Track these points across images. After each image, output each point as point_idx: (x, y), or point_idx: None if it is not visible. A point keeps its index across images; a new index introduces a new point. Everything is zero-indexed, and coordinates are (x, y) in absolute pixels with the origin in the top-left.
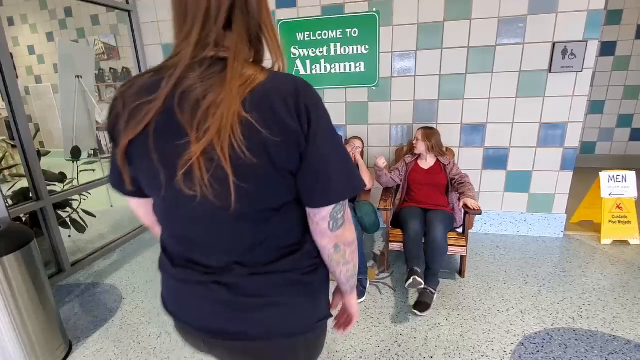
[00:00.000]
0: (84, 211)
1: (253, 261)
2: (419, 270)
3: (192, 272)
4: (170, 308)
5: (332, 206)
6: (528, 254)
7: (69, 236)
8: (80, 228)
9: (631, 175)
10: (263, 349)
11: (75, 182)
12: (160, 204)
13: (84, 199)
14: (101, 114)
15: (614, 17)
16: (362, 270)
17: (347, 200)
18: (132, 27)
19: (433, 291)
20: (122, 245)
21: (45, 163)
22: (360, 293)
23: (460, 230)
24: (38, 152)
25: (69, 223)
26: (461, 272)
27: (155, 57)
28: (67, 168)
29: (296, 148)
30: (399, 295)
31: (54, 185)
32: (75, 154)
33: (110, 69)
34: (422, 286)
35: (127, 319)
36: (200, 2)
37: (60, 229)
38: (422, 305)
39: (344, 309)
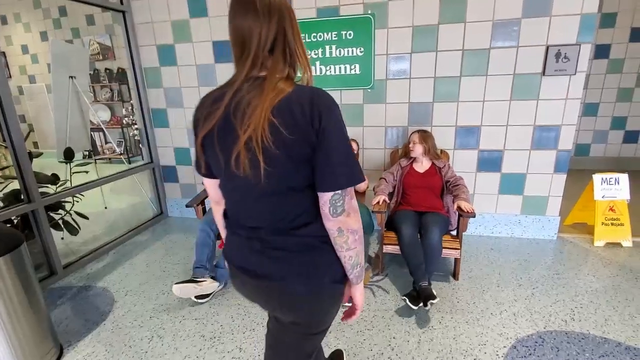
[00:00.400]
0: (77, 213)
1: (278, 227)
2: (427, 285)
3: (240, 230)
4: (227, 255)
5: (331, 193)
6: (522, 256)
7: (62, 238)
8: (73, 230)
9: (624, 177)
10: (280, 291)
11: (68, 184)
12: (223, 182)
13: (77, 201)
14: (96, 115)
15: (608, 20)
16: None
17: (349, 191)
18: (126, 27)
19: (429, 286)
20: (115, 248)
21: (39, 164)
22: None
23: (454, 232)
24: (29, 153)
25: (62, 225)
26: (455, 275)
27: (150, 58)
28: (61, 169)
29: (308, 143)
30: (392, 298)
31: (47, 187)
32: (68, 155)
33: (106, 69)
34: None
35: (119, 322)
36: (253, 36)
37: (53, 231)
38: (430, 297)
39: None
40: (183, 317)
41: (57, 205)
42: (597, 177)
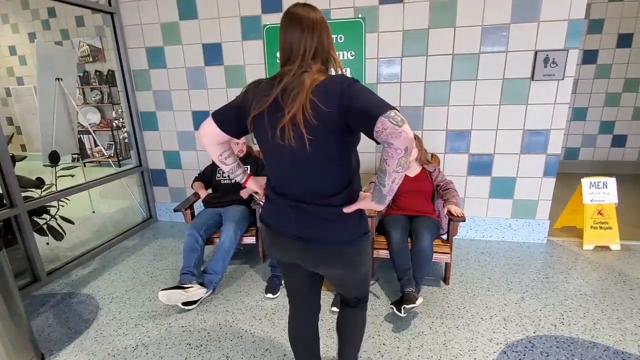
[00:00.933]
0: (62, 218)
1: (318, 192)
2: (412, 291)
3: (284, 199)
4: (267, 221)
5: (386, 113)
6: (512, 260)
7: (47, 244)
8: (58, 235)
9: (612, 181)
10: (322, 251)
11: (53, 188)
12: (268, 153)
13: (62, 206)
14: (85, 118)
15: (595, 26)
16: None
17: (397, 112)
18: (114, 29)
19: (417, 295)
20: (102, 253)
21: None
22: (275, 287)
23: (445, 237)
24: (12, 156)
25: (46, 230)
26: (446, 279)
27: (139, 61)
28: (48, 173)
29: (340, 113)
30: (383, 303)
31: (31, 191)
32: (54, 158)
33: (96, 71)
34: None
35: (102, 330)
36: (300, 47)
37: (38, 236)
38: (406, 301)
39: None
40: (169, 324)
41: (41, 210)
42: (585, 181)
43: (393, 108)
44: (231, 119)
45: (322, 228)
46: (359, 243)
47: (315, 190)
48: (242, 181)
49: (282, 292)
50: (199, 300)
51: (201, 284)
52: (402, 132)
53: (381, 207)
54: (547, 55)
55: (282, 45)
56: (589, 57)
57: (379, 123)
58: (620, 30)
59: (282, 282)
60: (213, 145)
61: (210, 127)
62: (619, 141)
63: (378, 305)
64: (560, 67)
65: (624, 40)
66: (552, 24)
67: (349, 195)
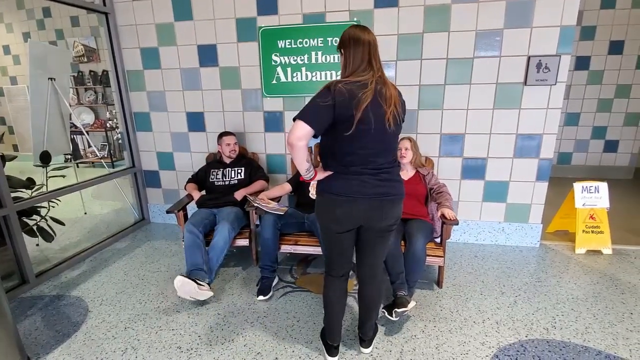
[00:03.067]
0: (53, 219)
1: (391, 160)
2: (404, 294)
3: (364, 169)
4: (346, 192)
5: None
6: (505, 264)
7: (37, 245)
8: (48, 237)
9: (603, 186)
10: (394, 201)
11: (44, 189)
12: (366, 138)
13: (53, 206)
14: (78, 118)
15: (587, 32)
16: (272, 267)
17: None
18: (109, 29)
19: (409, 299)
20: (93, 255)
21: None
22: (266, 289)
23: (438, 240)
24: (2, 156)
25: (36, 231)
26: (439, 283)
27: (133, 61)
28: (39, 173)
29: (403, 113)
30: None
31: (21, 191)
32: (45, 159)
33: (90, 71)
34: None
35: (91, 333)
36: (376, 55)
37: (27, 237)
38: (398, 305)
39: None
40: (159, 327)
41: (31, 211)
42: (577, 186)
43: None
44: (324, 118)
45: (392, 185)
46: (404, 196)
47: (389, 159)
48: (310, 176)
49: (275, 295)
50: (203, 301)
51: (209, 285)
52: None
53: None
54: (540, 60)
55: (353, 58)
56: (581, 63)
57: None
58: (612, 37)
59: (274, 283)
60: (305, 147)
61: (304, 129)
62: (611, 146)
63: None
64: (552, 73)
65: (616, 47)
66: (544, 29)
67: (396, 161)
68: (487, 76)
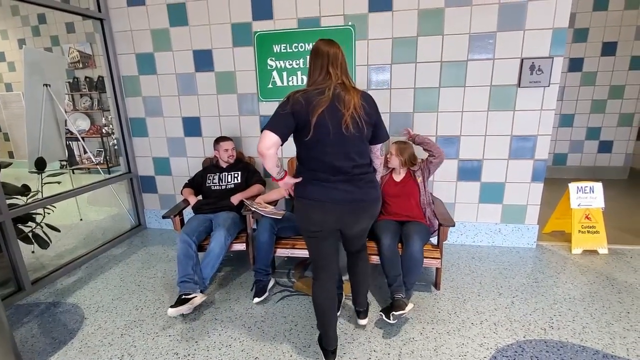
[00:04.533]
0: (48, 225)
1: (360, 164)
2: (402, 297)
3: (335, 175)
4: (320, 198)
5: (380, 144)
6: (502, 265)
7: (33, 252)
8: (44, 243)
9: (598, 186)
10: (366, 206)
11: (39, 196)
12: (324, 142)
13: (48, 213)
14: (74, 124)
15: (580, 35)
16: (266, 271)
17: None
18: (104, 35)
19: (407, 302)
20: (89, 261)
21: (11, 174)
22: (260, 291)
23: (435, 241)
24: None
25: (32, 238)
26: (437, 285)
27: (129, 66)
28: (34, 180)
29: (373, 118)
30: (373, 309)
31: (16, 198)
32: (40, 165)
33: (86, 77)
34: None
35: (87, 340)
36: (336, 65)
37: (23, 244)
38: (395, 308)
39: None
40: (156, 334)
41: (26, 218)
42: (572, 186)
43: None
44: (287, 125)
45: (366, 191)
46: (380, 200)
47: (358, 163)
48: (280, 177)
49: (273, 299)
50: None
51: (202, 292)
52: (380, 158)
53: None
54: (533, 62)
55: (314, 64)
56: (574, 65)
57: (378, 145)
58: (605, 39)
59: (270, 285)
60: (275, 154)
61: (272, 139)
62: (606, 147)
63: (369, 311)
64: (546, 74)
65: (609, 49)
66: (537, 32)
67: (371, 171)
68: (481, 78)
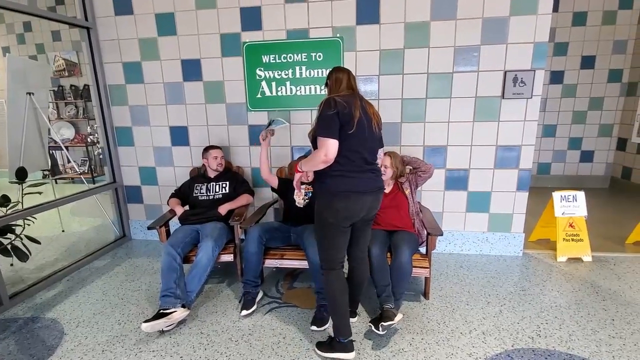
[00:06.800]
0: (28, 237)
1: (374, 159)
2: (391, 307)
3: (367, 166)
4: (356, 189)
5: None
6: (490, 273)
7: (11, 265)
8: (23, 256)
9: (581, 195)
10: (381, 192)
11: (20, 206)
12: (363, 136)
13: (28, 224)
14: (58, 133)
15: (560, 48)
16: (255, 282)
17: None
18: (90, 44)
19: (396, 312)
20: (70, 274)
21: None
22: (249, 303)
23: (423, 250)
24: None
25: (10, 251)
26: (425, 294)
27: (115, 75)
28: (15, 190)
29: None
30: (362, 320)
31: None
32: (20, 175)
33: (71, 86)
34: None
35: (67, 357)
36: (354, 82)
37: (2, 257)
38: (385, 318)
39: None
40: (139, 349)
41: (5, 229)
42: (556, 195)
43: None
44: (336, 125)
45: (381, 178)
46: None
47: (376, 158)
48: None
49: (261, 311)
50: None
51: (184, 306)
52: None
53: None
54: (516, 75)
55: (337, 83)
56: (556, 77)
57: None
58: (584, 53)
59: (258, 297)
60: None
61: (335, 144)
62: (587, 156)
63: (357, 322)
64: (528, 87)
65: (588, 62)
66: (519, 46)
67: None
68: (467, 90)
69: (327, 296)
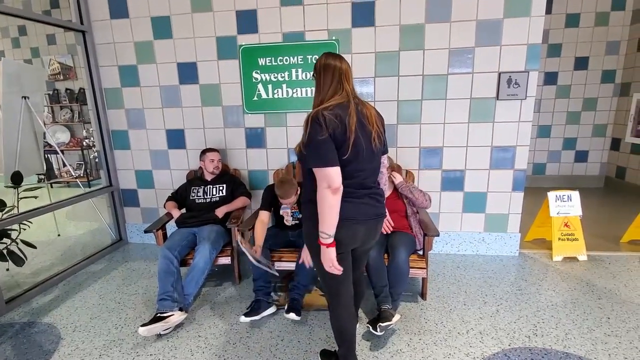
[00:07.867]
0: (24, 242)
1: (374, 182)
2: (388, 308)
3: (366, 190)
4: (359, 217)
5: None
6: (486, 273)
7: (7, 270)
8: (19, 261)
9: (575, 194)
10: (382, 220)
11: (15, 211)
12: (358, 160)
13: (24, 229)
14: (53, 137)
15: (554, 50)
16: (267, 288)
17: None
18: (86, 48)
19: (393, 313)
20: (67, 278)
21: None
22: (253, 312)
23: (420, 252)
24: None
25: (6, 255)
26: (423, 295)
27: (111, 79)
28: (10, 195)
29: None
30: (360, 321)
31: None
32: (16, 179)
33: (67, 89)
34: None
35: None
36: (348, 79)
37: None
38: (382, 319)
39: None
40: (137, 353)
41: (1, 234)
42: (551, 195)
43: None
44: (332, 149)
45: (382, 205)
46: None
47: (376, 179)
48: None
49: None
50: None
51: (181, 309)
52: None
53: None
54: (510, 76)
55: (326, 80)
56: (550, 78)
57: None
58: (577, 54)
59: (268, 312)
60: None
61: (337, 171)
62: (581, 156)
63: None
64: (522, 88)
65: (581, 63)
66: (513, 47)
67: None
68: (462, 91)
69: (334, 327)
